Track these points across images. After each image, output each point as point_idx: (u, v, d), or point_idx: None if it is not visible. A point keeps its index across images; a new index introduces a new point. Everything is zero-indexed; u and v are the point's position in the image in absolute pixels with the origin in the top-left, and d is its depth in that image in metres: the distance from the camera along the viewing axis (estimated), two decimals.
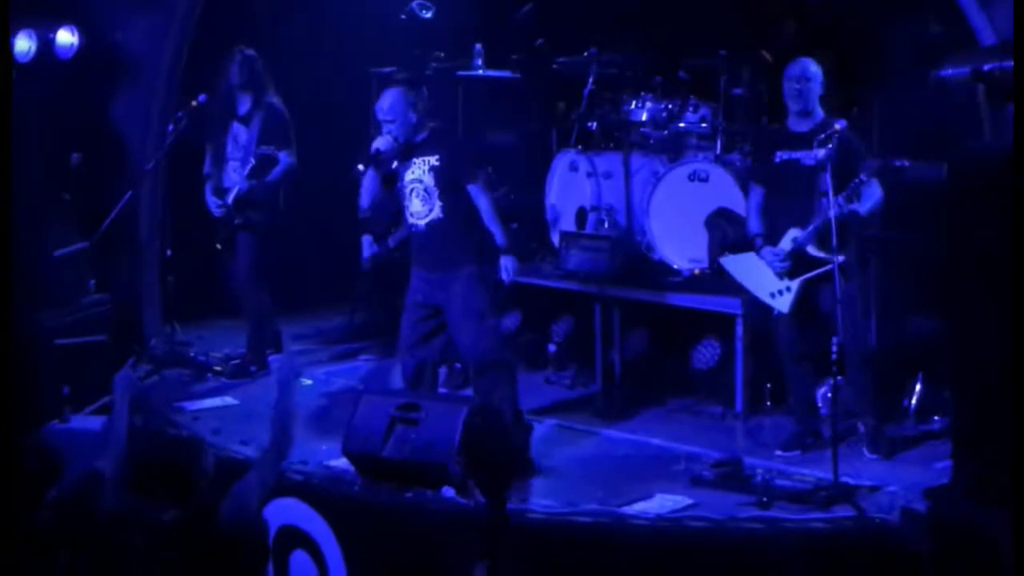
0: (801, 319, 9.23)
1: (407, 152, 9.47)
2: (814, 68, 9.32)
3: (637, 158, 11.12)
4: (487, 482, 6.95)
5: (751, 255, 9.41)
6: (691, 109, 11.09)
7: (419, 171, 9.48)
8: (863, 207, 9.00)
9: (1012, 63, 8.54)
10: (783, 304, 9.20)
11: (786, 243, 9.16)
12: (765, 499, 8.50)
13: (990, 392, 7.39)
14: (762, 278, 9.26)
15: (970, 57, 8.89)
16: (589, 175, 11.18)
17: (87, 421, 10.18)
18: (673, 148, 11.12)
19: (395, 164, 9.51)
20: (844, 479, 8.63)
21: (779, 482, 8.74)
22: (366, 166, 9.73)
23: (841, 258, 8.85)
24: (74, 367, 10.38)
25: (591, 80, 11.36)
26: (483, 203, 9.42)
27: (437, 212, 9.45)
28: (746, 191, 10.50)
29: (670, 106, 11.13)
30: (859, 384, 9.25)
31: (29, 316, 9.98)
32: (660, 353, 10.80)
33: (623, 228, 11.05)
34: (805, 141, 9.16)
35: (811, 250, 9.07)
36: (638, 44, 11.61)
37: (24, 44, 11.07)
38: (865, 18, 11.33)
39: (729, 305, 10.24)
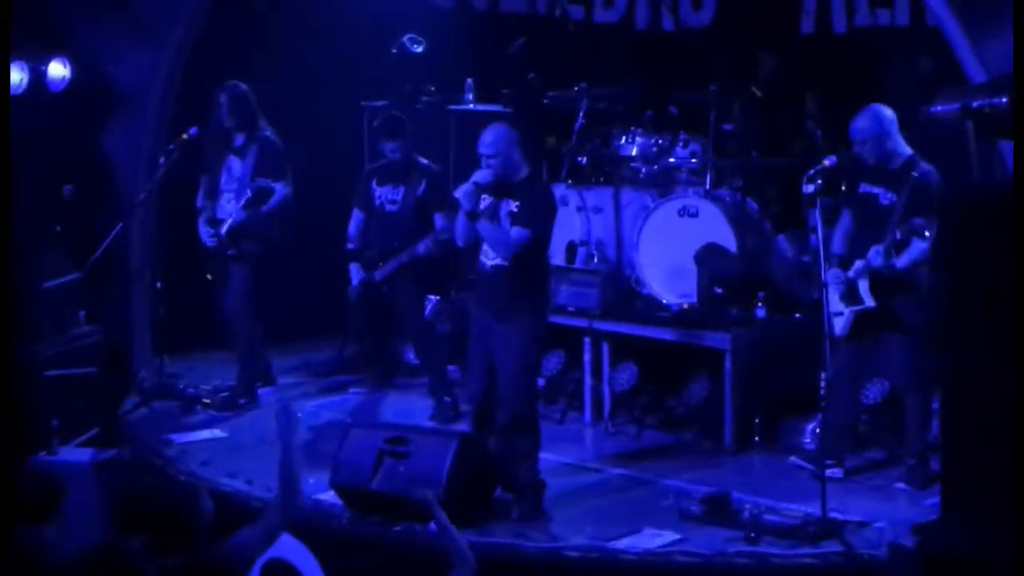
0: (858, 353, 9.26)
1: (502, 190, 9.16)
2: (867, 122, 9.22)
3: (627, 193, 11.14)
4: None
5: None
6: (681, 144, 11.12)
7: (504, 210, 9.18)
8: (899, 262, 9.03)
9: (1002, 100, 8.60)
10: (838, 326, 9.23)
11: (852, 271, 9.21)
12: (753, 534, 8.51)
13: (983, 426, 7.40)
14: (834, 296, 9.29)
15: (960, 94, 8.93)
16: (579, 209, 11.19)
17: (75, 453, 10.17)
18: (663, 183, 11.15)
19: (485, 201, 9.14)
20: (832, 514, 8.63)
21: (767, 517, 8.72)
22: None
23: (872, 303, 9.00)
24: (63, 399, 10.36)
25: (581, 115, 11.40)
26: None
27: (501, 259, 9.09)
28: (734, 226, 10.58)
29: (660, 141, 11.16)
30: (911, 414, 9.34)
31: (19, 347, 9.97)
32: (649, 387, 10.79)
33: (613, 262, 11.07)
34: (885, 178, 9.21)
35: (861, 287, 9.09)
36: (628, 79, 11.65)
37: (16, 76, 11.08)
38: (854, 54, 11.40)
39: (718, 340, 10.26)
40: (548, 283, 9.36)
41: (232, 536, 6.18)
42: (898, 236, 8.97)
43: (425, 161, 11.15)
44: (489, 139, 9.09)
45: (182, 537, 5.93)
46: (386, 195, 11.08)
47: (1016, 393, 7.16)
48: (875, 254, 9.04)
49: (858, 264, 9.18)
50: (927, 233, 8.87)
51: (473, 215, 8.99)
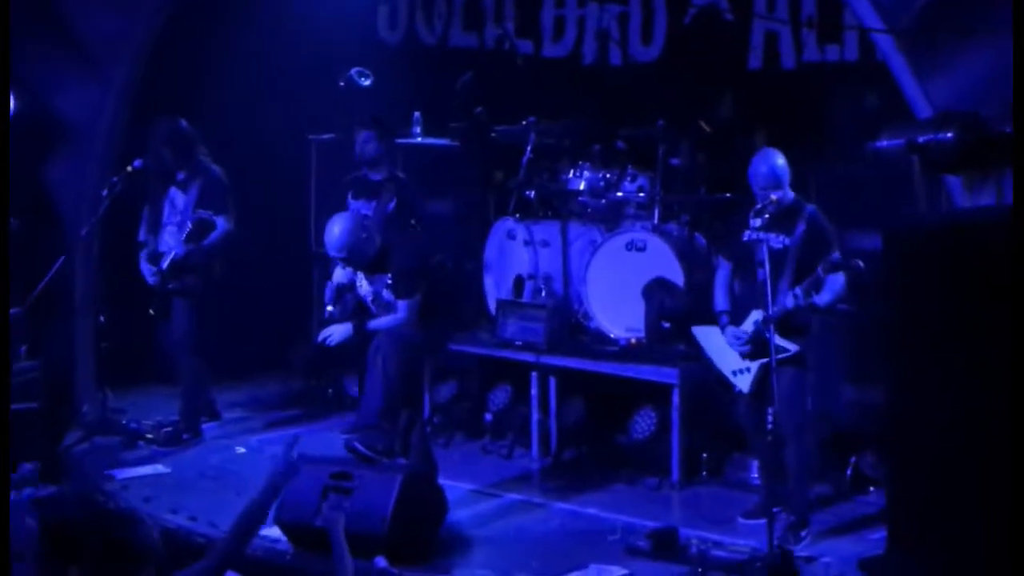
0: (762, 395, 9.15)
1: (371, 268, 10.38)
2: (769, 167, 9.19)
3: (575, 227, 11.12)
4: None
5: (718, 330, 9.38)
6: (629, 179, 11.11)
7: (380, 285, 10.33)
8: (822, 299, 8.96)
9: (947, 135, 8.62)
10: (743, 383, 9.18)
11: (748, 325, 9.14)
12: (700, 569, 8.48)
13: (928, 460, 7.39)
14: (726, 354, 9.24)
15: (905, 129, 8.96)
16: (527, 243, 11.18)
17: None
18: (611, 217, 11.14)
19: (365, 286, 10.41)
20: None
21: (715, 552, 8.71)
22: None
23: (795, 348, 8.90)
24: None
25: (529, 149, 11.37)
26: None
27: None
28: (683, 261, 10.56)
29: (608, 175, 11.15)
30: (793, 472, 9.21)
31: None
32: (597, 422, 10.76)
33: (560, 297, 11.05)
34: (776, 223, 9.10)
35: (775, 337, 8.97)
36: (576, 114, 11.64)
37: None
38: (802, 90, 11.43)
39: (666, 375, 10.24)
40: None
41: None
42: (820, 273, 8.87)
43: (402, 175, 11.15)
44: (337, 242, 10.25)
45: (119, 569, 5.80)
46: (359, 209, 11.04)
47: (964, 426, 7.16)
48: (792, 297, 8.91)
49: (756, 313, 9.05)
50: (860, 263, 8.86)
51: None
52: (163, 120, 10.99)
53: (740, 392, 9.25)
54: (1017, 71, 7.69)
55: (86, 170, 11.72)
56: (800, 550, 8.77)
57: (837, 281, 8.98)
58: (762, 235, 9.07)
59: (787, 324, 8.95)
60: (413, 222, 10.96)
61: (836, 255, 8.96)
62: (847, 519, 9.41)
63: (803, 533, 9.03)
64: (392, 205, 11.00)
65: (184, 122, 11.00)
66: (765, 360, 8.99)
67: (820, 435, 9.80)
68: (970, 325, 7.10)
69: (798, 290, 8.90)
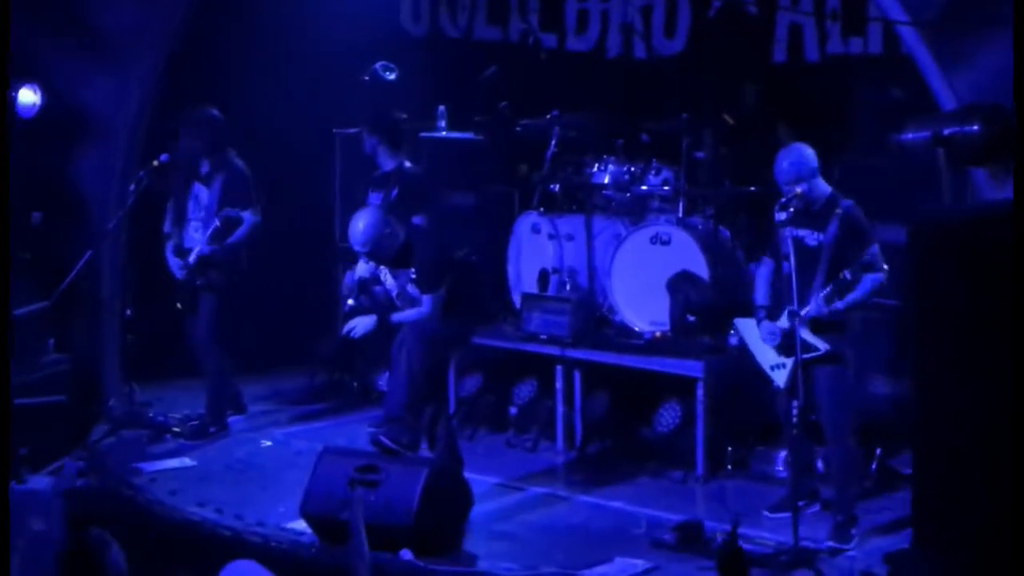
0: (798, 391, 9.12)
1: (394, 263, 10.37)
2: (790, 162, 9.12)
3: (599, 220, 11.13)
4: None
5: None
6: (653, 172, 11.11)
7: (404, 280, 10.30)
8: (841, 303, 8.91)
9: (972, 128, 8.61)
10: (780, 378, 9.14)
11: (783, 321, 9.11)
12: None
13: (951, 453, 7.38)
14: (766, 349, 9.21)
15: (931, 122, 8.95)
16: (551, 237, 11.18)
17: (44, 482, 10.10)
18: (635, 211, 11.14)
19: (389, 281, 10.41)
20: (805, 543, 8.61)
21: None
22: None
23: (826, 347, 8.88)
24: (32, 427, 10.28)
25: (554, 142, 11.38)
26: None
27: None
28: (708, 254, 10.56)
29: (632, 169, 11.15)
30: (837, 472, 9.23)
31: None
32: (621, 415, 10.77)
33: (585, 290, 11.05)
34: (811, 219, 9.05)
35: (804, 334, 8.96)
36: (600, 107, 11.64)
37: None
38: (827, 82, 11.41)
39: (690, 368, 10.23)
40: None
41: None
42: (848, 276, 8.84)
43: (408, 165, 11.18)
44: (361, 237, 10.22)
45: None
46: (374, 201, 11.10)
47: (989, 421, 7.15)
48: (822, 298, 8.88)
49: (805, 310, 8.97)
50: (884, 266, 8.82)
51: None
52: (195, 107, 11.01)
53: (777, 387, 9.22)
54: (1017, 70, 7.68)
55: (111, 164, 11.73)
56: (851, 551, 8.79)
57: (864, 284, 8.91)
58: (789, 229, 9.03)
59: (821, 322, 8.91)
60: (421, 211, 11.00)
61: (867, 257, 8.86)
62: (872, 513, 9.37)
63: (852, 531, 9.00)
64: (395, 193, 11.03)
65: (216, 111, 11.04)
66: (802, 356, 8.95)
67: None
68: (996, 319, 7.09)
69: (820, 296, 8.86)
